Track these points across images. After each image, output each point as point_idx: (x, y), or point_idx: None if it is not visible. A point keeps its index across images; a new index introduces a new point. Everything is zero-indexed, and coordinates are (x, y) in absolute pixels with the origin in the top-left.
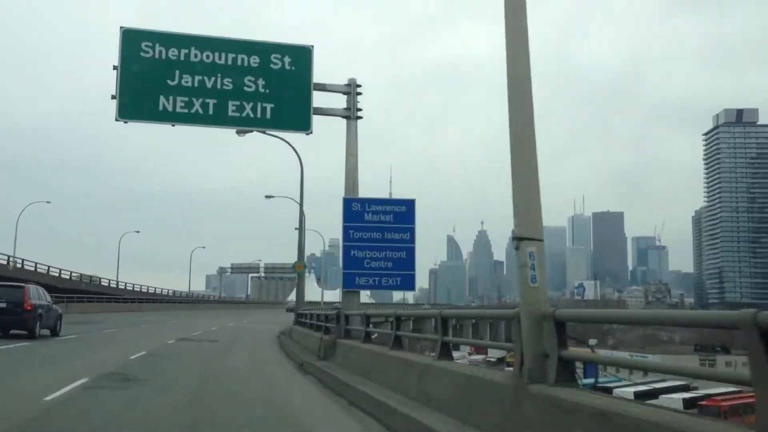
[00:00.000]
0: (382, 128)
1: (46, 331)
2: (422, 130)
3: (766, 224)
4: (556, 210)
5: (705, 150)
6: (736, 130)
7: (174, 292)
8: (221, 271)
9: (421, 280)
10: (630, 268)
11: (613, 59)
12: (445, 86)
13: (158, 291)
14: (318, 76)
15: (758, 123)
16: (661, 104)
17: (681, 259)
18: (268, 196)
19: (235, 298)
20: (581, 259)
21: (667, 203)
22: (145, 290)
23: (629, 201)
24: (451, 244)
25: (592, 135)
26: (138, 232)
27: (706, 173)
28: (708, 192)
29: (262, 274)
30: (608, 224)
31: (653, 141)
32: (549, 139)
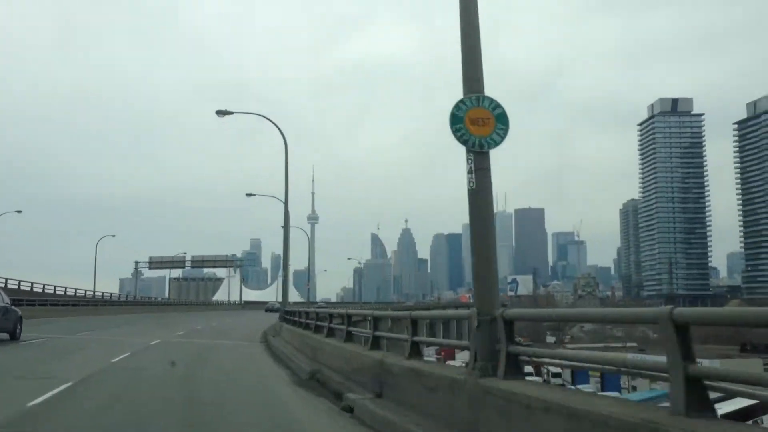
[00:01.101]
0: (304, 127)
1: (5, 335)
2: (344, 129)
3: (701, 215)
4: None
5: (640, 140)
6: (672, 120)
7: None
8: (137, 268)
9: (346, 279)
10: (550, 263)
11: (534, 58)
12: (367, 85)
13: (63, 292)
14: None
15: (692, 112)
16: (580, 103)
17: (598, 253)
18: (249, 194)
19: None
20: (504, 255)
21: (585, 200)
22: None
23: (550, 198)
24: (376, 242)
25: (514, 133)
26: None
27: (642, 164)
28: (643, 182)
29: (188, 267)
30: (530, 220)
31: (572, 139)
32: None
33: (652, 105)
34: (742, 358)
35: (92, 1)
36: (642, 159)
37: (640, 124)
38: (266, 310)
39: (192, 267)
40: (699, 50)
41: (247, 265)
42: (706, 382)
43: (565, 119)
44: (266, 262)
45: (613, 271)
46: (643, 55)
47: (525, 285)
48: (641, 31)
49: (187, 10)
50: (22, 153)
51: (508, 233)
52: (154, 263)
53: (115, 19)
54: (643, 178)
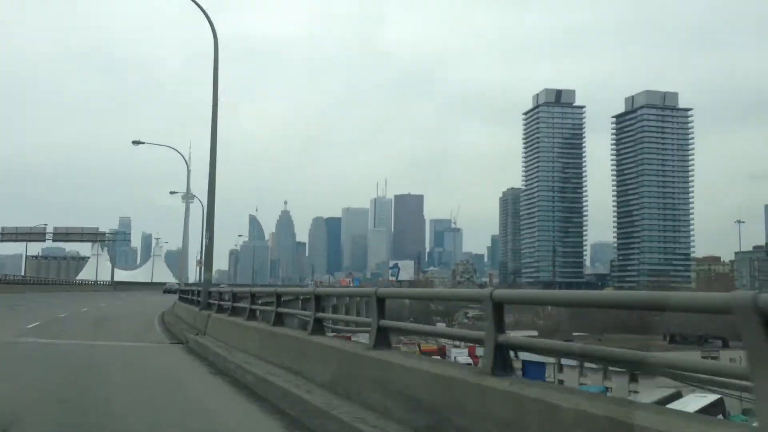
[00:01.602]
0: (185, 103)
1: None
2: (225, 108)
3: (578, 204)
4: (359, 192)
5: (525, 129)
6: (555, 110)
7: None
8: None
9: (221, 261)
10: (428, 249)
11: (419, 47)
12: (249, 64)
13: None
14: None
15: (575, 104)
16: (459, 94)
17: (474, 241)
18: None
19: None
20: (382, 241)
21: (464, 188)
22: None
23: (430, 185)
24: (254, 224)
25: (395, 120)
26: None
27: (525, 152)
28: (526, 171)
29: (50, 241)
30: (409, 207)
31: (453, 128)
32: (354, 123)
33: (537, 95)
34: (673, 350)
35: None
36: (526, 147)
37: (526, 114)
38: (164, 291)
39: (54, 240)
40: (578, 48)
41: (117, 242)
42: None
43: (447, 109)
44: (136, 242)
45: (486, 259)
46: (525, 51)
47: (406, 270)
48: (524, 28)
49: None
50: None
51: (388, 218)
52: (8, 234)
53: None
54: (526, 167)
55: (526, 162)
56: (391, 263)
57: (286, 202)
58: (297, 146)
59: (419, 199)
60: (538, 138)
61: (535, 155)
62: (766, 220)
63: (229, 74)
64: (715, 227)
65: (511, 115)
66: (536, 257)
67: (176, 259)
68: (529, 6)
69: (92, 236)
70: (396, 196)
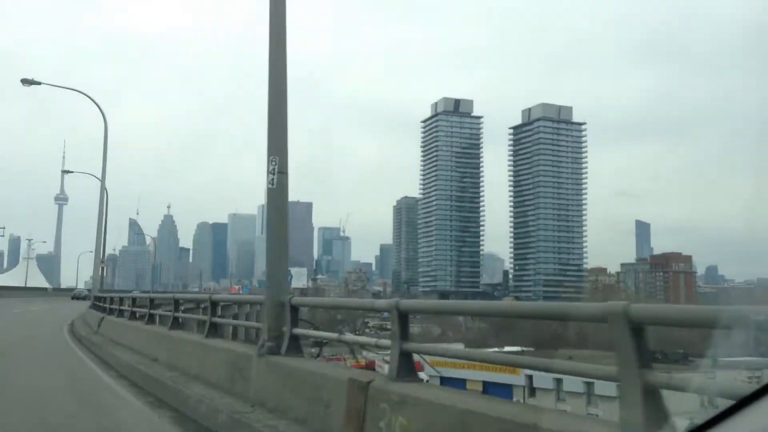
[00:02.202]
0: (53, 97)
1: None
2: (101, 104)
3: (476, 214)
4: (246, 198)
5: (423, 137)
6: (453, 120)
7: None
8: None
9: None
10: (315, 257)
11: (303, 55)
12: (125, 60)
13: None
14: None
15: (473, 114)
16: (346, 102)
17: (362, 249)
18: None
19: None
20: (268, 248)
21: (353, 196)
22: None
23: (318, 193)
24: (134, 228)
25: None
26: None
27: (423, 161)
28: (424, 179)
29: None
30: (298, 214)
31: (338, 137)
32: (237, 129)
33: (436, 103)
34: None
35: None
36: (424, 156)
37: (424, 122)
38: (73, 297)
39: None
40: (474, 62)
41: None
42: (414, 355)
43: (335, 118)
44: (2, 244)
45: (374, 267)
46: (413, 64)
47: (299, 278)
48: (411, 42)
49: None
50: None
51: None
52: None
53: None
54: (423, 175)
55: (424, 170)
56: (293, 271)
57: (169, 206)
58: (181, 149)
59: (308, 206)
60: (436, 146)
61: (434, 164)
62: (637, 234)
63: (110, 67)
64: (599, 239)
65: (401, 126)
66: (433, 266)
67: (47, 264)
68: (414, 21)
69: None
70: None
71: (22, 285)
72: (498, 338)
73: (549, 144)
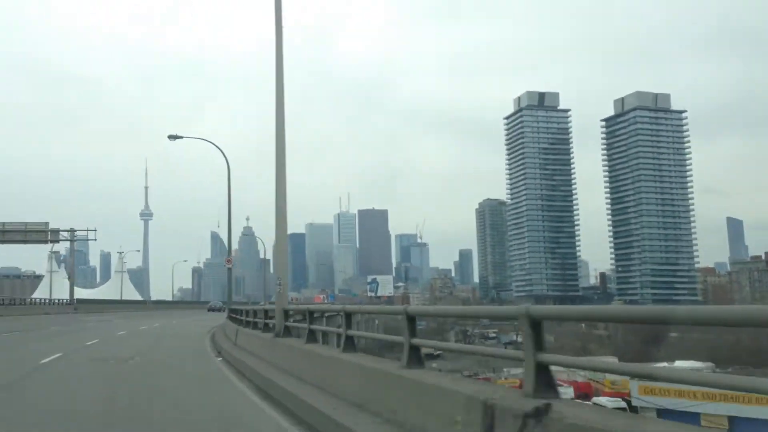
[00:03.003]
0: (133, 122)
1: None
2: (176, 122)
3: (569, 213)
4: (322, 207)
5: (507, 135)
6: (539, 114)
7: None
8: None
9: (184, 279)
10: (394, 264)
11: (367, 62)
12: (198, 80)
13: None
14: None
15: (559, 107)
16: (416, 107)
17: (440, 255)
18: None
19: None
20: (348, 256)
21: (425, 202)
22: None
23: (391, 200)
24: (216, 241)
25: (353, 133)
26: None
27: (509, 159)
28: (510, 178)
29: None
30: (373, 221)
31: (407, 143)
32: (308, 138)
33: (519, 98)
34: None
35: None
36: (509, 154)
37: (507, 118)
38: (209, 310)
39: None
40: (549, 58)
41: (76, 259)
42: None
43: (401, 123)
44: (95, 260)
45: (453, 273)
46: (478, 64)
47: (384, 285)
48: (475, 42)
49: None
50: None
51: (352, 234)
52: None
53: None
54: (510, 174)
55: (510, 169)
56: (370, 278)
57: (248, 218)
58: (255, 161)
59: (383, 213)
60: (522, 143)
61: (520, 161)
62: (729, 231)
63: (179, 90)
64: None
65: (474, 129)
66: (527, 270)
67: (138, 277)
68: (476, 20)
69: (39, 234)
70: (360, 211)
71: (118, 298)
72: (659, 351)
73: (647, 135)
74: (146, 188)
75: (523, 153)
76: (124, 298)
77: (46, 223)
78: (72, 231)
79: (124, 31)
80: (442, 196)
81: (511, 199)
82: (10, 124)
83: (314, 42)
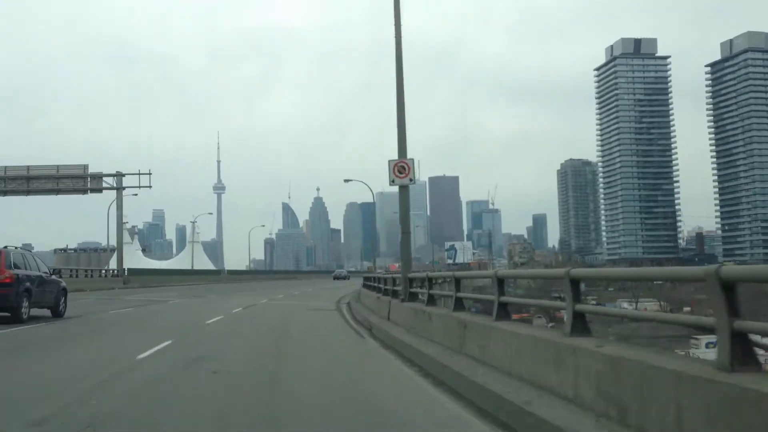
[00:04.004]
0: (201, 98)
1: (45, 311)
2: (247, 96)
3: (668, 169)
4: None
5: (598, 87)
6: (635, 63)
7: None
8: None
9: (256, 250)
10: (466, 231)
11: (437, 27)
12: (267, 53)
13: None
14: None
15: (657, 54)
16: (478, 74)
17: (511, 221)
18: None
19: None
20: (419, 224)
21: (496, 167)
22: None
23: (461, 166)
24: (287, 211)
25: (423, 99)
26: None
27: (600, 113)
28: (602, 134)
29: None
30: (444, 189)
31: (475, 108)
32: (376, 108)
33: (612, 47)
34: None
35: None
36: (600, 108)
37: (598, 69)
38: (334, 278)
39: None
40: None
41: (152, 234)
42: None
43: (469, 89)
44: (171, 234)
45: (527, 238)
46: (545, 28)
47: (463, 252)
48: (538, 4)
49: None
50: None
51: (422, 202)
52: None
53: None
54: (601, 130)
55: (601, 124)
56: (448, 245)
57: (318, 189)
58: (324, 132)
59: (454, 180)
60: (615, 96)
61: (613, 115)
62: None
63: (249, 67)
64: None
65: (542, 92)
66: (620, 231)
67: (212, 249)
68: None
69: (76, 181)
70: (430, 179)
71: (189, 268)
72: None
73: (759, 79)
74: (218, 162)
75: (616, 106)
76: (196, 267)
77: (84, 166)
78: (119, 175)
79: (192, 7)
80: (513, 161)
81: (602, 156)
82: (88, 104)
83: (378, 11)
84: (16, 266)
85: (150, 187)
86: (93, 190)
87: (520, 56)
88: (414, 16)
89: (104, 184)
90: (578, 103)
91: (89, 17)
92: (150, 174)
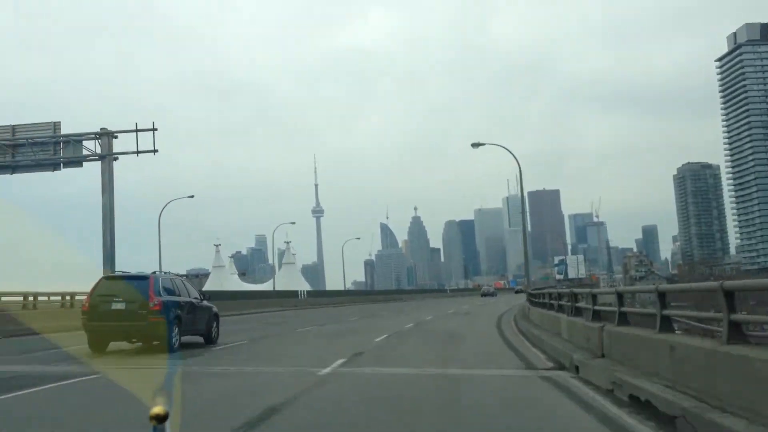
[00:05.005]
0: (296, 124)
1: (196, 338)
2: (339, 119)
3: None
4: (490, 192)
5: (721, 80)
6: (762, 50)
7: None
8: None
9: (356, 272)
10: (570, 245)
11: (526, 38)
12: (354, 75)
13: None
14: None
15: None
16: (573, 83)
17: (616, 233)
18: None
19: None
20: (519, 239)
21: (597, 180)
22: None
23: (559, 179)
24: (386, 231)
25: (517, 112)
26: None
27: (725, 107)
28: (728, 130)
29: None
30: (545, 203)
31: (571, 119)
32: (470, 123)
33: (735, 34)
34: None
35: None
36: (725, 101)
37: (720, 60)
38: (482, 295)
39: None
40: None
41: (254, 259)
42: None
43: (563, 99)
44: (273, 258)
45: (636, 250)
46: (632, 33)
47: (574, 266)
48: (624, 10)
49: (162, 3)
50: None
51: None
52: None
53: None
54: (728, 125)
55: (727, 120)
56: (557, 260)
57: (416, 208)
58: (416, 151)
59: (555, 194)
60: (744, 87)
61: (742, 109)
62: None
63: (341, 89)
64: None
65: (635, 98)
66: (758, 238)
67: (308, 273)
68: None
69: (76, 148)
70: (530, 193)
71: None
72: None
73: None
74: (316, 186)
75: (745, 98)
76: (293, 289)
77: (54, 124)
78: (106, 135)
79: (280, 36)
80: (616, 171)
81: (731, 155)
82: (183, 137)
83: (465, 26)
84: (166, 292)
85: (156, 151)
86: (68, 163)
87: (617, 63)
88: (508, 28)
89: (85, 151)
90: (684, 105)
91: (181, 49)
92: (154, 130)
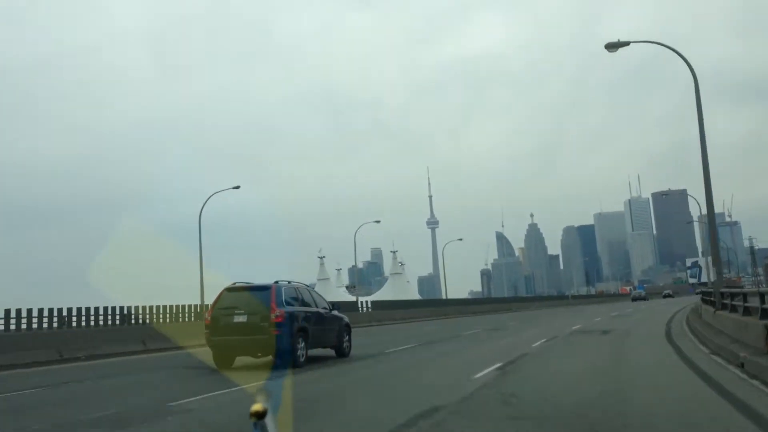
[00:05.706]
0: (408, 136)
1: (327, 351)
2: (449, 132)
3: None
4: (610, 195)
5: None
6: None
7: None
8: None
9: (472, 282)
10: (700, 248)
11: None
12: (467, 83)
13: None
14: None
15: None
16: (699, 76)
17: (753, 233)
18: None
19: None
20: (646, 244)
21: (725, 176)
22: None
23: (684, 178)
24: (502, 240)
25: (635, 111)
26: None
27: None
28: None
29: None
30: (670, 204)
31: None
32: (583, 125)
33: None
34: None
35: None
36: None
37: None
38: (633, 299)
39: None
40: None
41: (371, 273)
42: None
43: (687, 94)
44: (388, 271)
45: None
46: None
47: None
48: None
49: (277, 24)
50: None
51: (647, 219)
52: None
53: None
54: None
55: None
56: (689, 262)
57: (532, 215)
58: (531, 157)
59: (682, 194)
60: None
61: None
62: None
63: (451, 99)
64: None
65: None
66: None
67: (424, 285)
68: None
69: None
70: (653, 194)
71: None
72: None
73: None
74: (430, 197)
75: None
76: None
77: None
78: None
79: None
80: (748, 167)
81: None
82: (298, 157)
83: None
84: (290, 303)
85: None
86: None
87: (744, 53)
88: (628, 23)
89: None
90: None
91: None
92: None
